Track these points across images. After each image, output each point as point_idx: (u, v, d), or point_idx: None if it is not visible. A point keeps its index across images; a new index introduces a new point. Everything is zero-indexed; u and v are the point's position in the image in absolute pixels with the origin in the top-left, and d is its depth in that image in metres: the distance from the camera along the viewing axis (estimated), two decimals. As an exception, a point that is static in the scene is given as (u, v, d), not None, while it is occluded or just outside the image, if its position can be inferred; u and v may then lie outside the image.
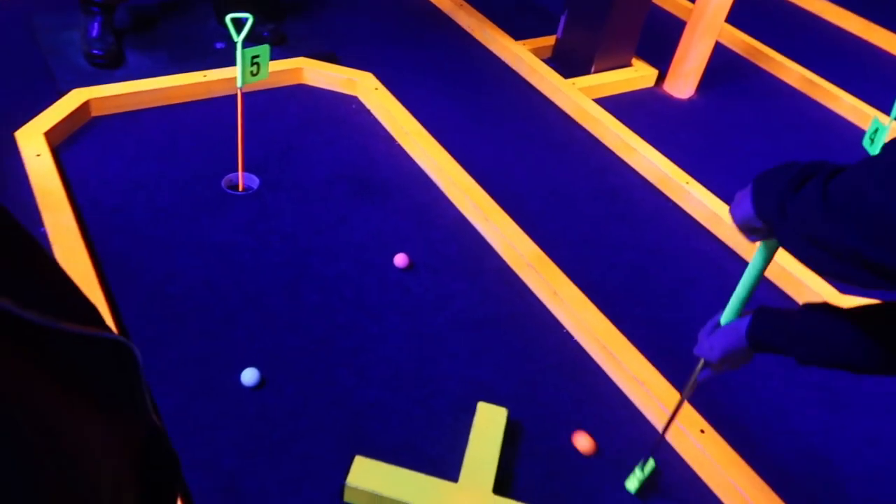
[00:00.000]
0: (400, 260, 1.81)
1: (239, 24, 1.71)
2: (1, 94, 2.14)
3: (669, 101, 2.74)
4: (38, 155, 1.87)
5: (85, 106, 2.09)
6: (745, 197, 0.95)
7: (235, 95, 1.82)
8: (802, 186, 0.83)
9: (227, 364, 1.52)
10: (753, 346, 1.03)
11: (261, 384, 1.50)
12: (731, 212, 0.99)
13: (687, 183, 2.20)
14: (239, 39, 1.72)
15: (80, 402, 0.37)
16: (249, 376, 1.49)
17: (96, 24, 2.27)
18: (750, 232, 0.99)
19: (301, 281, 1.74)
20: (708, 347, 1.12)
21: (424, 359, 1.61)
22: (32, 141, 1.90)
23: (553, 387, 1.61)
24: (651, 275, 1.95)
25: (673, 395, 1.57)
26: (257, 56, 1.78)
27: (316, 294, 1.72)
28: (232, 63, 2.25)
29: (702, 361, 1.19)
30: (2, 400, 0.30)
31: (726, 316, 1.14)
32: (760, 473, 1.46)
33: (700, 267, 2.01)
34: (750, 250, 2.04)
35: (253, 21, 1.71)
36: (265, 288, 1.71)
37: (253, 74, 1.80)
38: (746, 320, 1.04)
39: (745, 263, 2.02)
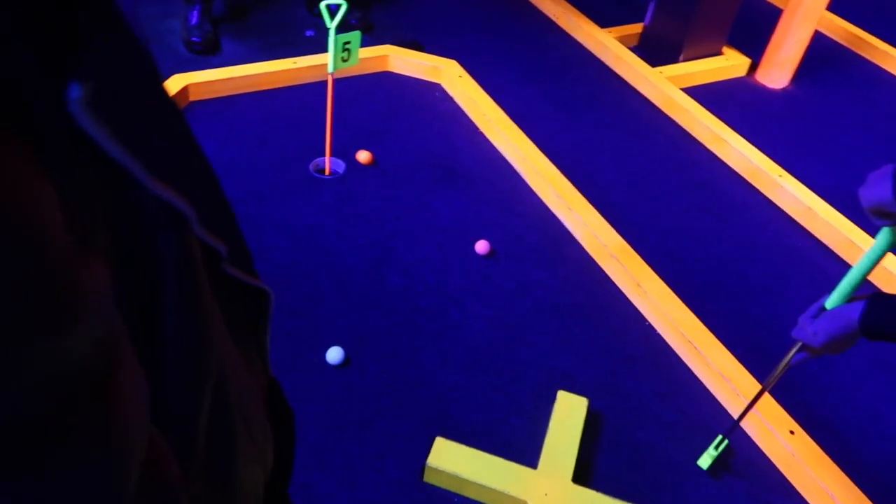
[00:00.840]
0: (481, 247, 1.82)
1: (332, 10, 1.75)
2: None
3: (762, 91, 2.63)
4: (142, 137, 1.97)
5: (183, 91, 2.19)
6: (882, 180, 0.93)
7: (324, 82, 1.87)
8: None
9: (313, 342, 1.57)
10: (866, 332, 0.99)
11: (345, 363, 1.54)
12: (862, 193, 0.98)
13: (780, 176, 2.12)
14: (332, 25, 1.76)
15: (228, 338, 0.40)
16: (334, 355, 1.54)
17: (195, 13, 2.37)
18: (880, 216, 0.97)
19: (385, 264, 1.78)
20: (811, 332, 1.08)
21: (505, 346, 1.62)
22: (136, 123, 2.01)
23: (634, 379, 1.59)
24: (739, 269, 1.89)
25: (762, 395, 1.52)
26: (348, 42, 1.81)
27: (399, 277, 1.75)
28: (320, 50, 2.32)
29: (798, 345, 1.15)
30: (206, 317, 0.33)
31: (834, 300, 1.10)
32: (853, 478, 1.40)
33: (791, 263, 1.93)
34: (845, 247, 1.95)
35: (346, 7, 1.75)
36: (350, 269, 1.75)
37: (344, 60, 1.84)
38: (859, 306, 1.00)
39: (839, 259, 1.94)
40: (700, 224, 2.01)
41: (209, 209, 0.35)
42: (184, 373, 0.33)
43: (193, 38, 2.33)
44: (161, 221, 0.30)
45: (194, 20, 2.37)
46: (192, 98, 2.22)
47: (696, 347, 1.60)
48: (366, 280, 1.73)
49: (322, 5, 1.75)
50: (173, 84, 2.17)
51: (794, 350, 1.17)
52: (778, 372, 1.23)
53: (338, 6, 1.75)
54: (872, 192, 0.95)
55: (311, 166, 2.04)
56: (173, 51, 2.37)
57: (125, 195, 0.28)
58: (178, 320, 0.32)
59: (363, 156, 1.82)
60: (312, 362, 1.54)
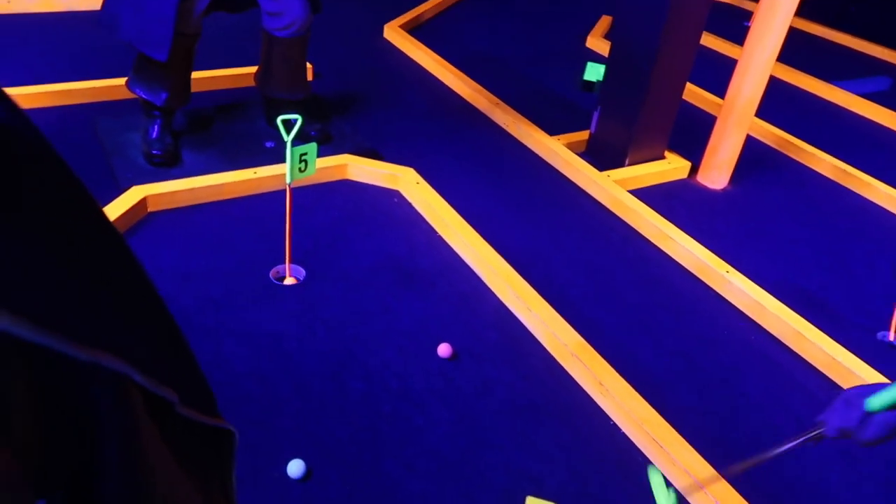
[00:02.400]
0: (443, 350, 1.83)
1: (289, 124, 1.81)
2: (65, 192, 2.26)
3: (704, 191, 2.78)
4: (99, 248, 1.95)
5: (142, 202, 2.20)
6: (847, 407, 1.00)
7: (284, 191, 1.91)
8: None
9: (274, 454, 1.53)
10: None
11: (307, 476, 1.49)
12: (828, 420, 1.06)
13: (727, 272, 2.21)
14: (288, 139, 1.82)
15: (187, 478, 0.39)
16: (295, 468, 1.49)
17: (156, 127, 2.42)
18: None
19: (346, 370, 1.76)
20: (861, 422, 1.03)
21: (470, 450, 1.60)
22: (93, 235, 2.00)
23: (602, 480, 1.57)
24: (697, 364, 1.93)
25: (725, 487, 1.52)
26: (305, 153, 1.87)
27: (361, 383, 1.73)
28: (280, 160, 2.37)
29: (820, 431, 1.11)
30: (142, 459, 0.32)
31: (880, 402, 1.02)
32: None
33: (746, 355, 1.98)
34: (794, 339, 2.02)
35: (302, 122, 1.82)
36: (311, 376, 1.73)
37: (301, 171, 1.89)
38: None
39: (790, 351, 2.00)
40: (655, 319, 2.06)
41: (156, 357, 0.35)
42: None
43: (154, 151, 2.37)
44: (98, 378, 0.30)
45: (155, 133, 2.41)
46: (151, 209, 2.24)
47: (661, 446, 1.61)
48: (327, 387, 1.71)
49: (279, 120, 1.82)
50: (131, 196, 2.19)
51: (813, 434, 1.11)
52: (780, 452, 1.18)
53: (295, 120, 1.82)
54: (838, 418, 1.02)
55: (271, 273, 2.05)
56: (133, 163, 2.40)
57: (56, 364, 0.27)
58: (118, 466, 0.31)
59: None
60: (273, 476, 1.49)
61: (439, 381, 1.77)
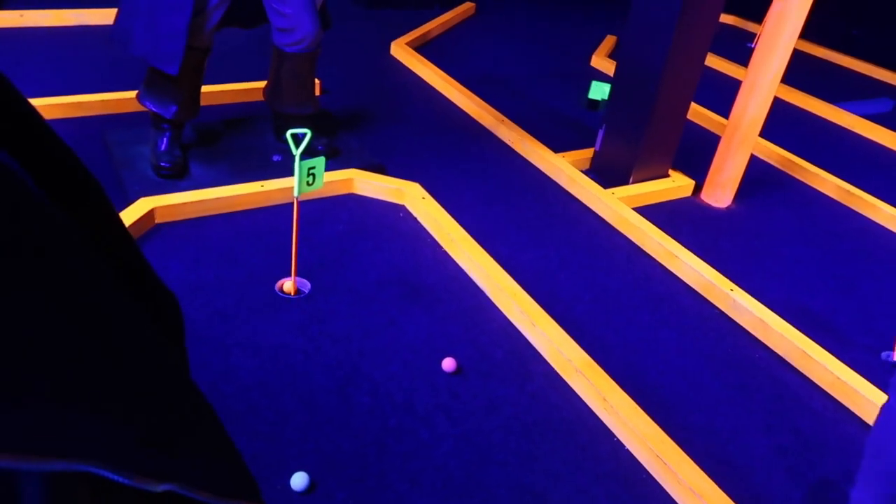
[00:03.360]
0: (448, 364, 1.83)
1: (298, 138, 1.83)
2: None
3: (708, 210, 2.79)
4: (107, 259, 1.97)
5: (150, 214, 2.22)
6: None
7: (291, 204, 1.92)
8: None
9: (278, 466, 1.52)
10: None
11: (310, 489, 1.49)
12: None
13: (732, 290, 2.21)
14: (297, 152, 1.84)
15: None
16: (299, 481, 1.49)
17: (165, 139, 2.44)
18: None
19: (352, 383, 1.76)
20: None
21: (475, 466, 1.59)
22: (102, 246, 2.01)
23: (608, 498, 1.57)
24: (702, 382, 1.92)
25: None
26: (313, 167, 1.89)
27: (367, 397, 1.73)
28: (287, 174, 2.40)
29: None
30: None
31: None
32: None
33: (750, 374, 1.98)
34: (799, 357, 2.01)
35: (310, 136, 1.84)
36: (317, 389, 1.73)
37: (309, 184, 1.91)
38: None
39: (794, 370, 2.00)
40: (660, 337, 2.06)
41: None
42: None
43: (162, 164, 2.39)
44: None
45: (163, 146, 2.43)
46: (159, 220, 2.25)
47: (665, 463, 1.60)
48: (333, 400, 1.71)
49: (288, 134, 1.84)
50: (139, 207, 2.20)
51: None
52: None
53: (304, 134, 1.84)
54: None
55: (277, 286, 2.05)
56: (142, 175, 2.42)
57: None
58: None
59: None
60: (276, 488, 1.49)
61: (445, 395, 1.77)
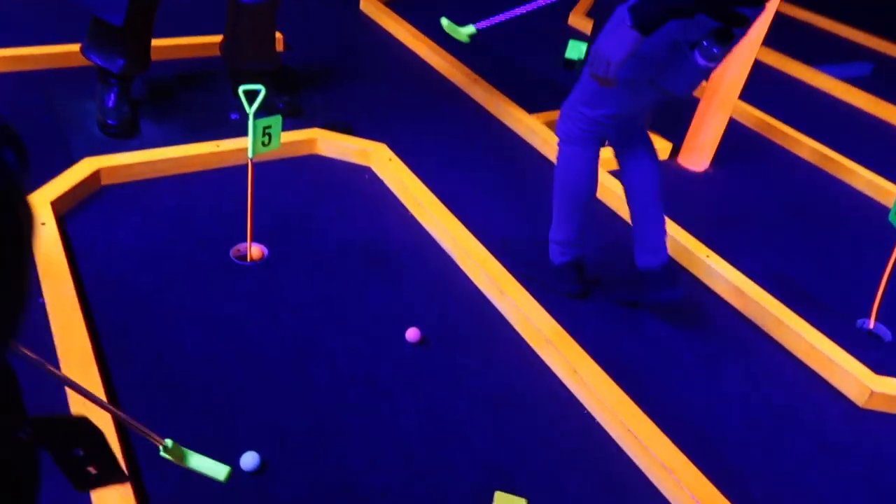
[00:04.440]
0: (412, 335, 1.74)
1: (252, 95, 1.70)
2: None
3: (684, 174, 2.71)
4: (43, 223, 1.83)
5: (95, 175, 2.07)
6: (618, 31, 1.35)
7: (247, 165, 1.80)
8: None
9: (227, 447, 1.43)
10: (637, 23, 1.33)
11: (261, 469, 1.40)
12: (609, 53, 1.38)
13: (707, 256, 2.14)
14: (251, 110, 1.71)
15: None
16: (249, 460, 1.40)
17: (112, 95, 2.28)
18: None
19: (309, 356, 1.66)
20: (609, 49, 1.39)
21: (438, 441, 1.52)
22: (38, 209, 1.87)
23: (576, 475, 1.50)
24: (674, 352, 1.86)
25: (705, 485, 1.46)
26: (269, 126, 1.76)
27: (325, 370, 1.63)
28: (246, 134, 2.25)
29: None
30: None
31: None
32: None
33: (725, 344, 1.92)
34: (775, 326, 1.96)
35: (266, 93, 1.71)
36: (272, 364, 1.63)
37: (264, 145, 1.78)
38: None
39: (771, 340, 1.94)
40: (632, 306, 1.99)
41: None
42: None
43: (109, 121, 2.24)
44: None
45: (111, 102, 2.27)
46: (105, 182, 2.11)
47: (637, 437, 1.54)
48: (288, 374, 1.61)
49: (240, 90, 1.70)
50: (83, 168, 2.06)
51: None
52: None
53: (259, 91, 1.71)
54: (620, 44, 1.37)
55: (232, 252, 1.94)
56: (88, 134, 2.26)
57: None
58: None
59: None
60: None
61: (408, 368, 1.68)
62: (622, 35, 1.36)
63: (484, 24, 1.86)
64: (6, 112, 2.35)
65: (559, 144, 1.83)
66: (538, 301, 1.87)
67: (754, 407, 1.74)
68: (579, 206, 1.87)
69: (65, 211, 1.97)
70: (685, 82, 1.62)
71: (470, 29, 1.83)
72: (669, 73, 1.58)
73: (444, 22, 1.80)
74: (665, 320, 1.96)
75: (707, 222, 2.41)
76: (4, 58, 2.58)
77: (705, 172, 2.73)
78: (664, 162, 2.76)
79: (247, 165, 1.81)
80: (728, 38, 1.45)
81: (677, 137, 2.79)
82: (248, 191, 1.85)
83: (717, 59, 1.50)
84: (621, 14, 1.35)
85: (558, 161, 1.85)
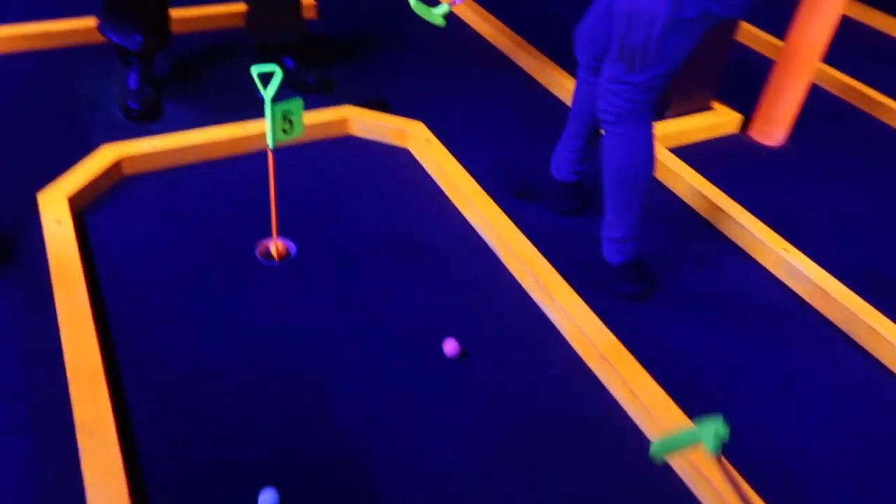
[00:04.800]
0: (450, 347, 1.57)
1: (266, 78, 1.52)
2: (35, 147, 2.01)
3: (758, 149, 2.43)
4: (59, 221, 1.71)
5: (116, 165, 1.94)
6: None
7: (269, 155, 1.63)
8: None
9: (247, 479, 1.30)
10: None
11: (284, 504, 1.27)
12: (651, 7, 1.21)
13: (785, 250, 1.89)
14: (268, 94, 1.53)
15: None
16: (268, 499, 1.26)
17: (134, 75, 2.13)
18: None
19: (336, 370, 1.51)
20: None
21: (480, 473, 1.35)
22: (55, 205, 1.75)
23: (634, 515, 1.32)
24: (749, 367, 1.64)
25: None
26: (290, 111, 1.59)
27: (353, 387, 1.48)
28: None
29: None
30: None
31: None
32: None
33: (808, 355, 1.69)
34: (867, 335, 1.71)
35: (285, 73, 1.52)
36: (295, 380, 1.49)
37: (285, 132, 1.61)
38: None
39: (862, 351, 1.70)
40: (699, 309, 1.77)
41: None
42: None
43: (131, 104, 2.09)
44: None
45: (133, 83, 2.13)
46: (127, 171, 1.98)
47: (704, 476, 1.34)
48: (313, 392, 1.47)
49: (254, 72, 1.52)
50: (103, 157, 1.93)
51: None
52: None
53: (273, 73, 1.53)
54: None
55: (258, 249, 1.79)
56: (109, 116, 2.12)
57: None
58: None
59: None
60: None
61: (445, 386, 1.51)
62: None
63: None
64: (25, 94, 2.23)
65: (605, 127, 1.60)
66: (592, 307, 1.67)
67: (844, 432, 1.52)
68: (639, 196, 1.64)
69: (84, 205, 1.85)
70: (738, 2, 1.40)
71: (443, 8, 1.60)
72: None
73: (413, 2, 1.58)
74: (736, 327, 1.73)
75: (784, 208, 2.14)
76: (23, 35, 2.45)
77: (782, 147, 2.45)
78: (734, 136, 2.48)
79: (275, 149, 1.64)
80: None
81: (749, 107, 2.50)
82: (271, 183, 1.68)
83: None
84: None
85: (606, 147, 1.62)
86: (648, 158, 1.61)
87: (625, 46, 1.30)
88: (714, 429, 0.94)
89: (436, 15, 1.60)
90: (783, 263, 1.88)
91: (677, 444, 1.00)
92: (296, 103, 1.59)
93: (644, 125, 1.58)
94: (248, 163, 2.07)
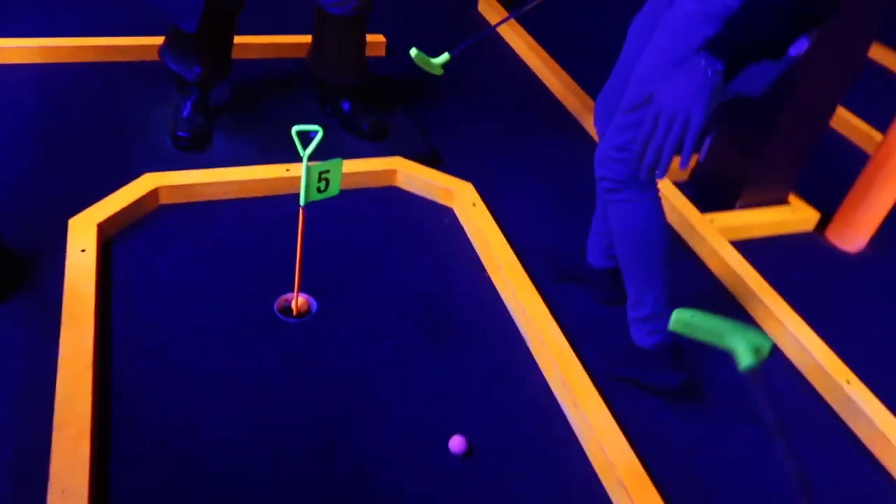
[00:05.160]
0: (456, 444, 1.45)
1: (306, 137, 1.45)
2: (79, 169, 2.01)
3: (833, 254, 2.22)
4: (83, 251, 1.69)
5: (153, 193, 1.92)
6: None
7: (302, 207, 1.56)
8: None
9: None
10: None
11: None
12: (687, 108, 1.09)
13: (848, 382, 1.69)
14: (305, 154, 1.47)
15: None
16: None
17: (189, 104, 2.12)
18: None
19: (336, 448, 1.42)
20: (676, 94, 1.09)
21: None
22: (83, 232, 1.73)
23: None
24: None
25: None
26: (327, 172, 1.52)
27: (347, 472, 1.38)
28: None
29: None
30: None
31: None
32: None
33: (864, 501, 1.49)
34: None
35: (321, 137, 1.46)
36: (294, 455, 1.40)
37: (320, 191, 1.54)
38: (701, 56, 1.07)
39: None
40: (739, 438, 1.59)
41: None
42: None
43: (180, 133, 2.07)
44: None
45: (186, 112, 2.11)
46: (164, 201, 1.95)
47: None
48: (311, 470, 1.37)
49: (293, 131, 1.46)
50: (141, 185, 1.91)
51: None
52: None
53: (314, 133, 1.46)
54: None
55: (277, 304, 1.72)
56: (157, 144, 2.11)
57: None
58: None
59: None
60: None
61: (446, 486, 1.39)
62: (697, 79, 1.06)
63: (457, 49, 1.61)
64: (80, 109, 2.23)
65: (609, 196, 1.50)
66: (618, 415, 1.52)
67: None
68: (658, 266, 1.52)
69: (114, 233, 1.82)
70: (761, 80, 1.27)
71: (444, 57, 1.60)
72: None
73: (414, 53, 1.57)
74: (784, 469, 1.55)
75: (853, 328, 1.94)
76: (76, 47, 2.45)
77: (860, 254, 2.23)
78: (808, 235, 2.28)
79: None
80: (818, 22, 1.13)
81: (830, 204, 2.30)
82: (298, 240, 1.61)
83: (802, 49, 1.16)
84: (684, 53, 1.10)
85: (614, 218, 1.51)
86: (661, 225, 1.50)
87: (622, 117, 1.19)
88: (754, 341, 0.77)
89: (435, 65, 1.64)
90: (843, 398, 1.68)
91: (700, 330, 0.83)
92: (335, 164, 1.52)
93: (650, 187, 1.48)
94: (286, 204, 2.01)
